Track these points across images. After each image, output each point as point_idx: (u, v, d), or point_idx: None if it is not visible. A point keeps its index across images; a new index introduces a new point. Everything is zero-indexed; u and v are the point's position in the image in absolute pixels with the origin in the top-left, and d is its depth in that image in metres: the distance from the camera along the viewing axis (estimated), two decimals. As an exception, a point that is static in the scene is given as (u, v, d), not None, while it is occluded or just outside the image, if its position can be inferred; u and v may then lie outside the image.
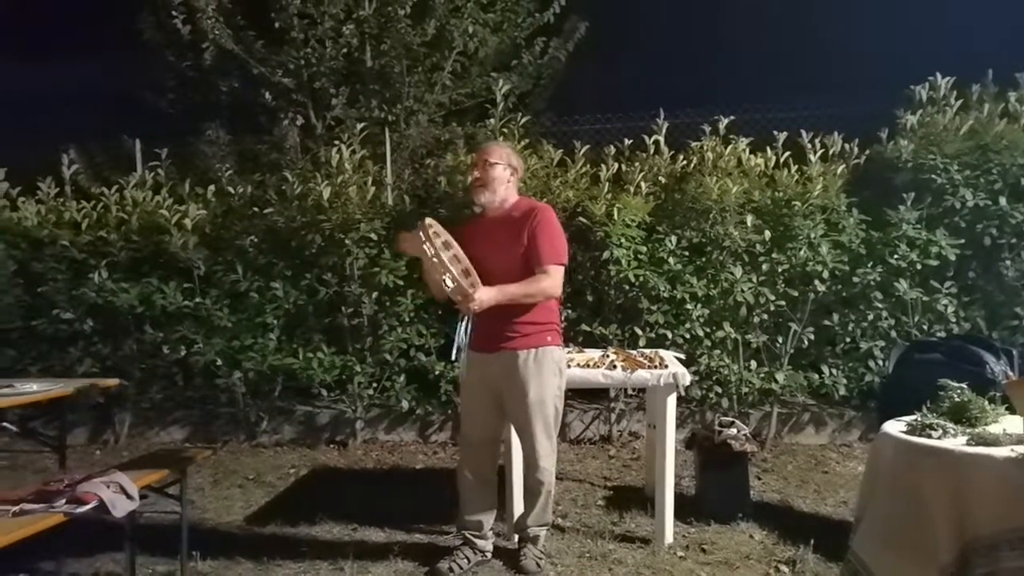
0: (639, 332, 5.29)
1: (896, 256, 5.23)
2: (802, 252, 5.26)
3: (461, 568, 3.22)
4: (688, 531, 3.67)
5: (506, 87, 6.03)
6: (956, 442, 2.27)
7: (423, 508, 4.00)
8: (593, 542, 3.54)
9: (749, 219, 5.30)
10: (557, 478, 3.35)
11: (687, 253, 5.40)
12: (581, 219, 5.25)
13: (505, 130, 5.80)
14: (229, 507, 4.27)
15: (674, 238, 5.34)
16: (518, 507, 3.50)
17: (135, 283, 5.61)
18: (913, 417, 2.49)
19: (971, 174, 5.31)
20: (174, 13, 7.06)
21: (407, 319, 5.48)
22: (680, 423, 5.22)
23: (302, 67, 7.14)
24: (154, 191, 5.87)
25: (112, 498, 2.79)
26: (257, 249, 5.66)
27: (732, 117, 5.58)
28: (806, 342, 5.35)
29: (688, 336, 5.31)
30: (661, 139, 5.64)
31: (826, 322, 5.35)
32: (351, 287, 5.51)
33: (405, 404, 5.50)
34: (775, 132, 5.48)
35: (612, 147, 5.65)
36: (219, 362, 5.52)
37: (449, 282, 2.98)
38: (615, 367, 3.56)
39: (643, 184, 5.43)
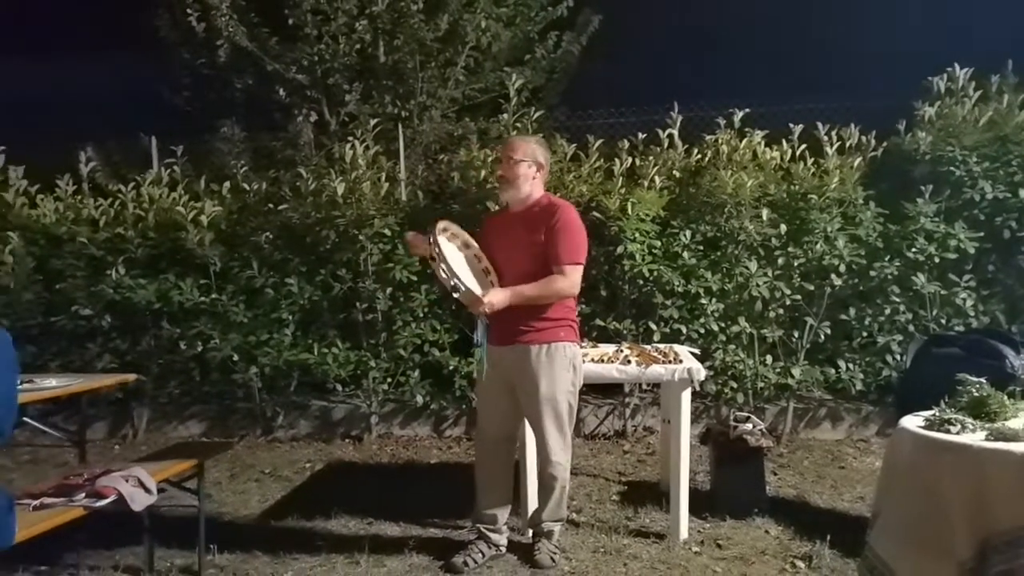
0: (653, 327, 5.27)
1: (914, 249, 5.18)
2: (818, 246, 5.21)
3: (476, 562, 3.23)
4: (703, 526, 3.66)
5: (519, 82, 6.02)
6: (975, 437, 2.25)
7: (438, 502, 4.02)
8: (608, 537, 3.54)
9: (764, 213, 5.26)
10: (571, 473, 3.34)
11: (702, 247, 5.37)
12: (595, 214, 5.23)
13: (519, 125, 5.80)
14: (246, 501, 4.30)
15: (689, 232, 5.31)
16: (532, 502, 3.50)
17: (152, 279, 5.66)
18: (931, 412, 2.46)
19: (990, 166, 5.24)
20: (189, 11, 7.11)
21: (421, 314, 5.50)
22: (695, 418, 5.21)
23: (316, 63, 7.16)
24: (170, 188, 5.92)
25: (131, 492, 2.83)
26: (272, 245, 5.69)
27: (747, 110, 5.52)
28: (822, 336, 5.31)
29: (703, 331, 5.28)
30: (675, 133, 5.60)
31: (843, 316, 5.31)
32: (365, 283, 5.53)
33: (420, 399, 5.52)
34: (791, 125, 5.42)
35: (626, 141, 5.61)
36: (235, 357, 5.56)
37: (458, 288, 2.99)
38: (629, 362, 3.55)
39: (657, 178, 5.41)
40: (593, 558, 3.32)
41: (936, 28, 7.00)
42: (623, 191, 5.30)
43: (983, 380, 2.54)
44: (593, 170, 5.53)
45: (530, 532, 3.44)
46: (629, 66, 7.96)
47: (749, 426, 3.86)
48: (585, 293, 5.29)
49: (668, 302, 5.27)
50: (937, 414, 2.43)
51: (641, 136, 5.66)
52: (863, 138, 5.43)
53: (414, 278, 5.43)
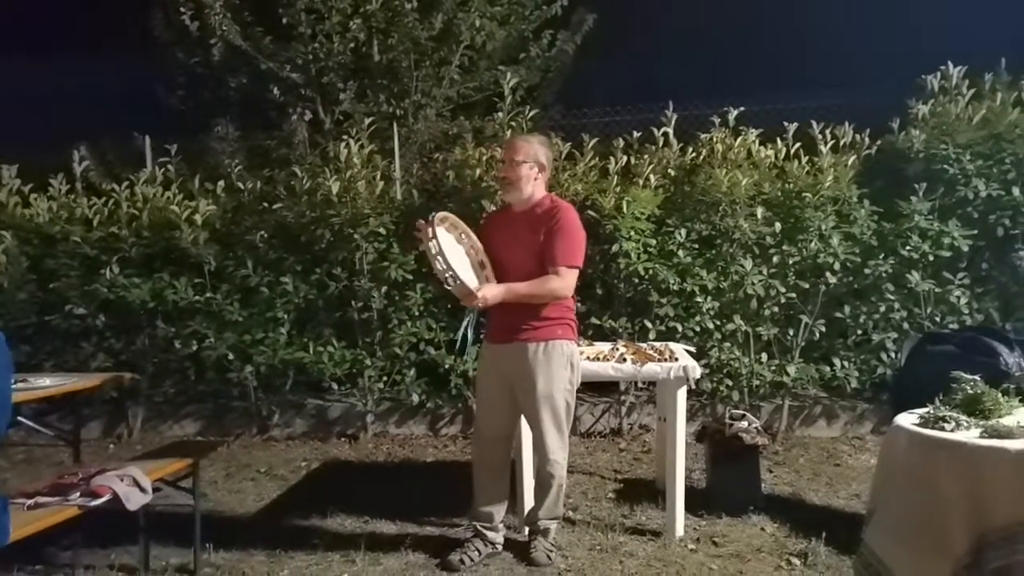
0: (649, 325, 5.28)
1: (908, 247, 5.20)
2: (813, 244, 5.23)
3: (472, 560, 3.23)
4: (699, 524, 3.67)
5: (514, 80, 6.02)
6: (970, 434, 2.26)
7: (434, 501, 4.01)
8: (604, 535, 3.54)
9: (759, 211, 5.27)
10: (568, 471, 3.35)
11: (697, 246, 5.38)
12: (590, 212, 5.23)
13: (513, 124, 5.80)
14: (242, 500, 4.30)
15: (684, 231, 5.32)
16: (529, 500, 3.51)
17: (147, 279, 5.64)
18: (926, 409, 2.47)
19: (984, 164, 5.26)
20: (182, 10, 7.10)
21: (417, 313, 5.49)
22: (691, 416, 5.20)
23: (310, 62, 7.16)
24: (164, 187, 5.89)
25: (126, 491, 2.82)
26: (267, 244, 5.68)
27: (742, 108, 5.53)
28: (817, 334, 5.32)
29: (698, 329, 5.29)
30: (670, 131, 5.61)
31: (837, 314, 5.33)
32: (361, 281, 5.52)
33: (415, 398, 5.51)
34: (785, 123, 5.43)
35: (621, 140, 5.62)
36: (231, 356, 5.55)
37: (451, 281, 3.00)
38: (625, 360, 3.56)
39: (652, 177, 5.41)
40: (589, 556, 3.33)
41: (930, 26, 7.02)
42: (618, 190, 5.31)
43: (977, 378, 2.55)
44: (588, 169, 5.53)
45: (526, 530, 3.44)
46: (624, 65, 7.96)
47: (744, 424, 3.87)
48: (580, 291, 5.28)
49: (663, 300, 5.28)
50: (932, 411, 2.44)
51: (636, 135, 5.66)
52: (857, 136, 5.45)
53: (409, 277, 5.43)
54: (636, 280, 5.29)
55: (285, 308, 5.55)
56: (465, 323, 3.22)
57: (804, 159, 5.37)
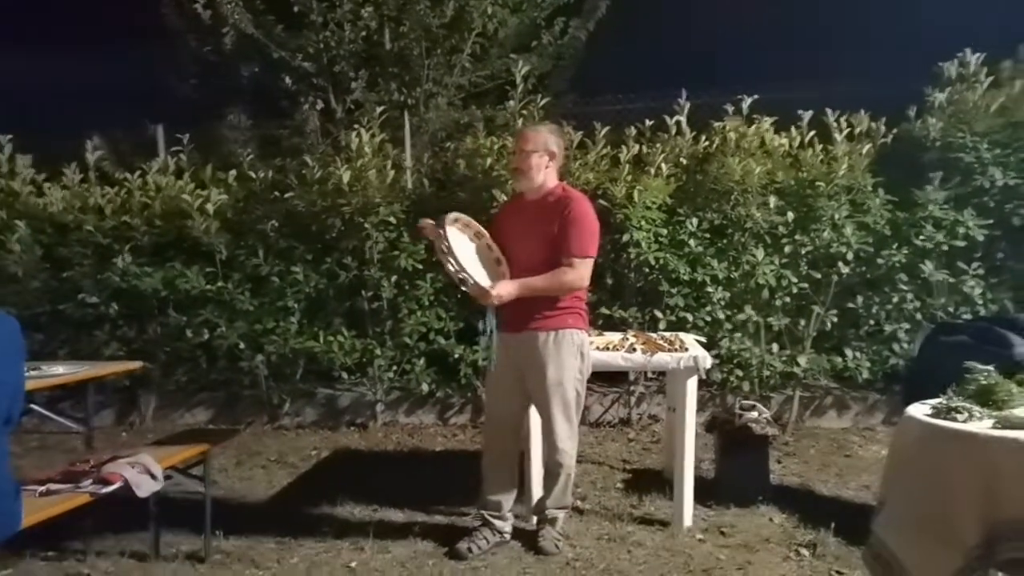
0: (659, 315, 5.26)
1: (922, 237, 5.14)
2: (826, 233, 5.18)
3: (480, 549, 3.23)
4: (708, 514, 3.66)
5: (526, 68, 5.99)
6: (982, 425, 2.23)
7: (443, 489, 4.03)
8: (612, 524, 3.54)
9: (772, 200, 5.23)
10: (577, 461, 3.34)
11: (708, 235, 5.35)
12: (601, 201, 5.19)
13: (525, 112, 5.77)
14: (252, 488, 4.32)
15: (695, 220, 5.28)
16: (537, 489, 3.51)
17: (159, 267, 5.67)
18: (938, 400, 2.44)
19: (1001, 152, 5.18)
20: (195, -2, 7.09)
21: (426, 302, 5.49)
22: (700, 406, 5.14)
23: (322, 51, 7.15)
24: (176, 176, 5.92)
25: (137, 478, 2.84)
26: (278, 233, 5.69)
27: (756, 96, 5.46)
28: (829, 325, 5.28)
29: (709, 319, 5.26)
30: (683, 120, 5.55)
31: (850, 304, 5.28)
32: (371, 271, 5.53)
33: (425, 387, 5.52)
34: (800, 111, 5.37)
35: (633, 128, 5.57)
36: (242, 345, 5.58)
37: (465, 281, 3.00)
38: (635, 350, 3.54)
39: (664, 166, 5.37)
40: (597, 545, 3.33)
41: (948, 13, 6.90)
42: (629, 179, 5.28)
43: (991, 368, 2.51)
44: (599, 157, 5.50)
45: (535, 519, 3.45)
46: (636, 52, 7.91)
47: (754, 414, 3.85)
48: (591, 281, 5.28)
49: (674, 290, 5.26)
50: (944, 402, 2.41)
51: (648, 123, 5.60)
52: (873, 124, 5.37)
53: (419, 266, 5.43)
54: (647, 270, 5.26)
55: (296, 297, 5.57)
56: (486, 323, 3.20)
57: (818, 147, 5.31)
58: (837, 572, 3.03)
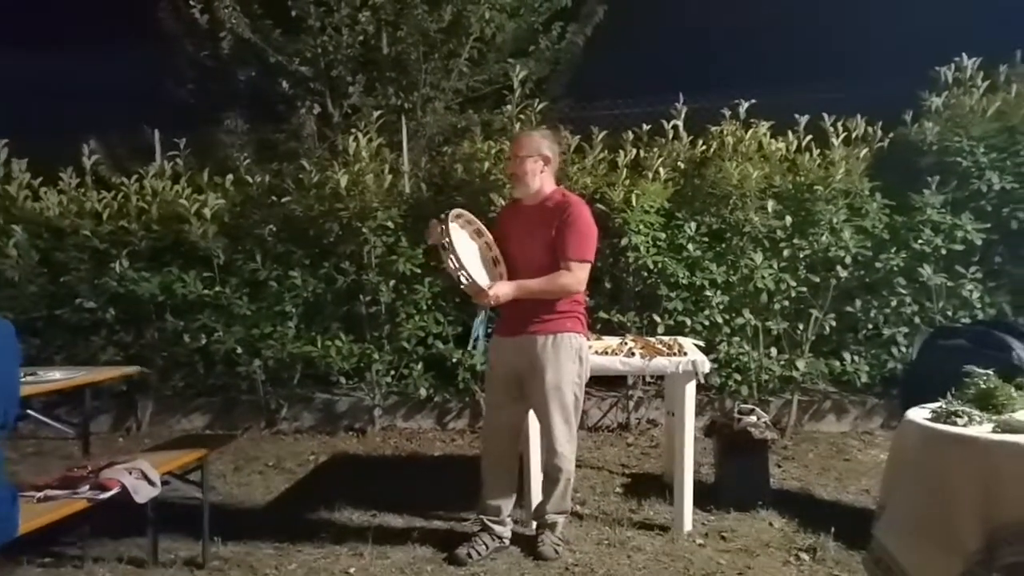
0: (658, 319, 5.26)
1: (920, 241, 5.15)
2: (824, 237, 5.19)
3: (479, 554, 3.22)
4: (707, 519, 3.65)
5: (523, 73, 5.99)
6: (982, 429, 2.23)
7: (441, 495, 4.01)
8: (611, 529, 3.53)
9: (770, 204, 5.23)
10: (576, 465, 3.33)
11: (706, 239, 5.35)
12: (599, 205, 5.20)
13: (522, 116, 5.77)
14: (250, 493, 4.31)
15: (693, 224, 5.29)
16: (537, 494, 3.50)
17: (156, 272, 5.66)
18: (938, 404, 2.45)
19: (998, 156, 5.20)
20: (192, 2, 7.10)
21: (424, 307, 5.48)
22: (699, 411, 5.16)
23: (319, 55, 7.15)
24: (173, 181, 5.91)
25: (134, 484, 2.83)
26: (275, 238, 5.68)
27: (753, 101, 5.48)
28: (827, 328, 5.29)
29: (707, 323, 5.27)
30: (680, 124, 5.56)
31: (848, 308, 5.28)
32: (369, 275, 5.52)
33: (423, 392, 5.51)
34: (797, 116, 5.38)
35: (630, 132, 5.58)
36: (239, 350, 5.56)
37: (463, 279, 3.01)
38: (633, 354, 3.54)
39: (662, 170, 5.38)
40: (597, 550, 3.32)
41: (944, 17, 6.93)
42: (627, 183, 5.28)
43: (990, 372, 2.51)
44: (597, 162, 5.51)
45: (534, 524, 3.43)
46: (634, 57, 7.92)
47: (753, 418, 3.84)
48: (589, 285, 5.25)
49: (672, 294, 5.26)
50: (944, 406, 2.41)
51: (646, 127, 5.61)
52: (869, 129, 5.39)
53: (417, 270, 5.42)
54: (645, 274, 5.26)
55: (293, 302, 5.56)
56: (478, 320, 3.22)
57: (816, 152, 5.32)
58: (837, 577, 3.03)
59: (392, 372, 5.59)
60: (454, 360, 5.44)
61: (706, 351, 4.21)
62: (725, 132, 5.42)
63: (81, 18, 8.52)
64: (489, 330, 3.50)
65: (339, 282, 5.57)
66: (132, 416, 5.92)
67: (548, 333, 3.16)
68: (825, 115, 5.34)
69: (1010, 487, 2.07)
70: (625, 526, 3.56)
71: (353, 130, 5.76)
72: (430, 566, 3.19)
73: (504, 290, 3.10)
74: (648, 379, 5.45)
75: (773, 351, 5.33)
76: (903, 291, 5.21)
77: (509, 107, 5.87)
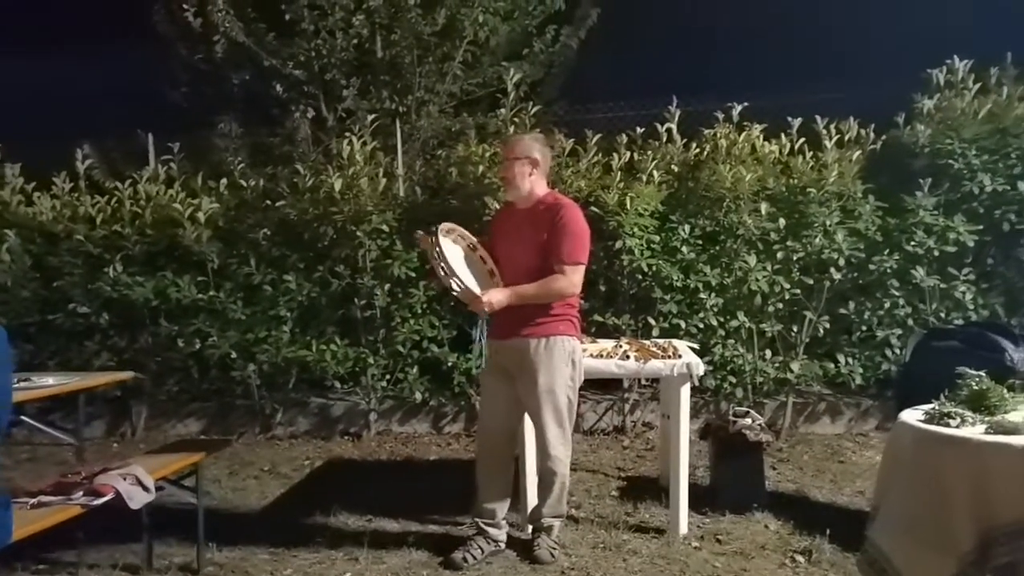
0: (652, 322, 5.26)
1: (913, 243, 5.17)
2: (817, 240, 5.20)
3: (475, 558, 3.22)
4: (703, 521, 3.65)
5: (517, 76, 6.00)
6: (975, 431, 2.25)
7: (437, 499, 4.01)
8: (607, 532, 3.53)
9: (763, 207, 5.25)
10: (571, 469, 3.34)
11: (701, 242, 5.36)
12: (593, 208, 5.21)
13: (516, 120, 5.78)
14: (245, 498, 4.30)
15: (687, 227, 5.30)
16: (532, 498, 3.50)
17: (150, 277, 5.64)
18: (931, 406, 2.46)
19: (989, 159, 5.23)
20: (185, 6, 7.08)
21: (420, 311, 5.48)
22: (694, 413, 5.20)
23: (313, 59, 7.14)
24: (167, 185, 5.89)
25: (129, 490, 2.82)
26: (270, 242, 5.67)
27: (746, 104, 5.50)
28: (821, 331, 5.30)
29: (702, 326, 5.27)
30: (674, 127, 5.58)
31: (842, 310, 5.30)
32: (364, 279, 5.51)
33: (418, 396, 5.50)
34: (789, 118, 5.41)
35: (624, 135, 5.60)
36: (234, 355, 5.55)
37: (455, 286, 3.03)
38: (628, 357, 3.55)
39: (656, 173, 5.39)
40: (593, 554, 3.32)
41: (935, 20, 6.97)
42: (621, 186, 5.29)
43: (983, 373, 2.53)
44: (591, 165, 5.52)
45: (530, 528, 3.43)
46: (627, 60, 7.93)
47: (748, 421, 3.85)
48: (584, 288, 5.25)
49: (667, 297, 5.27)
50: (937, 408, 2.42)
51: (640, 130, 5.63)
52: (862, 131, 5.41)
53: (412, 274, 5.42)
54: (639, 277, 5.27)
55: (288, 306, 5.55)
56: (477, 330, 3.23)
57: (808, 154, 5.34)
58: (832, 578, 3.04)
59: (387, 376, 5.59)
60: (449, 364, 5.44)
61: (701, 354, 4.21)
62: (718, 135, 5.43)
63: (74, 22, 8.49)
64: (484, 334, 3.51)
65: (334, 286, 5.56)
66: (126, 421, 5.90)
67: (541, 336, 3.17)
68: (818, 118, 5.36)
69: (1003, 488, 2.08)
70: (621, 529, 3.56)
71: (347, 134, 5.76)
72: (426, 570, 3.19)
73: (498, 297, 3.11)
74: (643, 382, 5.45)
75: (767, 353, 5.34)
76: (896, 293, 5.23)
77: (503, 110, 5.89)
